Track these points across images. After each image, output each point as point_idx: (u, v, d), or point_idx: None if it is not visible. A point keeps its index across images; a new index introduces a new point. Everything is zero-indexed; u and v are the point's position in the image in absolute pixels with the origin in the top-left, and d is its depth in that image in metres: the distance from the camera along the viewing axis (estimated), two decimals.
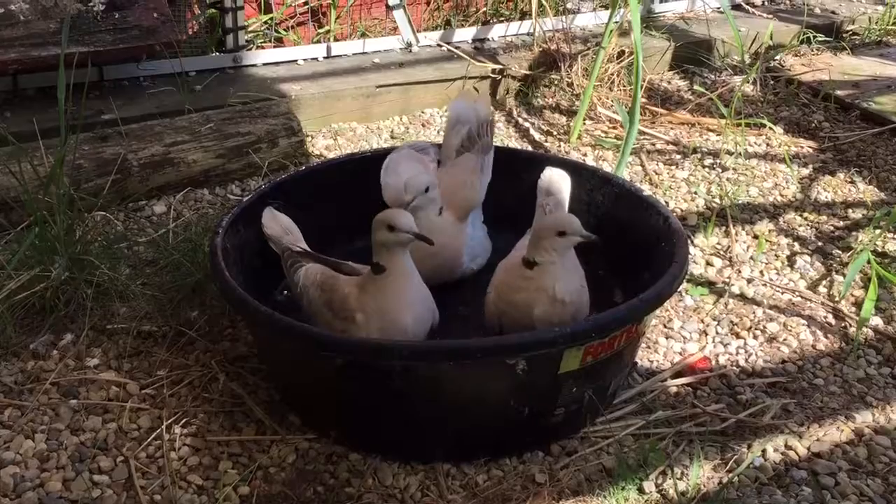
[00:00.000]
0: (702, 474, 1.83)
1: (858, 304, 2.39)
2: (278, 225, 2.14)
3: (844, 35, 4.29)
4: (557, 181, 2.31)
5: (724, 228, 2.71)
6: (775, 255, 2.62)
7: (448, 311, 2.01)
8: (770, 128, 3.34)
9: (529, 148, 3.22)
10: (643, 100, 3.37)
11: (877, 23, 4.38)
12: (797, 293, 2.45)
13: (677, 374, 2.12)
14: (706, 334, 2.28)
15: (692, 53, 3.90)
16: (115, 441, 1.89)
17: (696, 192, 2.93)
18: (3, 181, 2.47)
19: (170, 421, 1.93)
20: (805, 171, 3.10)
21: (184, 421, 1.94)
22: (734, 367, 2.17)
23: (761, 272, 2.54)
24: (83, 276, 2.21)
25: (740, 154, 3.15)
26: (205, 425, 1.93)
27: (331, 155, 3.05)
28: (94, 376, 2.05)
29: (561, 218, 2.03)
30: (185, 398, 2.00)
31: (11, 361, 2.09)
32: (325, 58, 3.59)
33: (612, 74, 3.46)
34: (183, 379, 2.05)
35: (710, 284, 2.47)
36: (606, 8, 3.96)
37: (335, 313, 1.89)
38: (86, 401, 1.99)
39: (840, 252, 2.63)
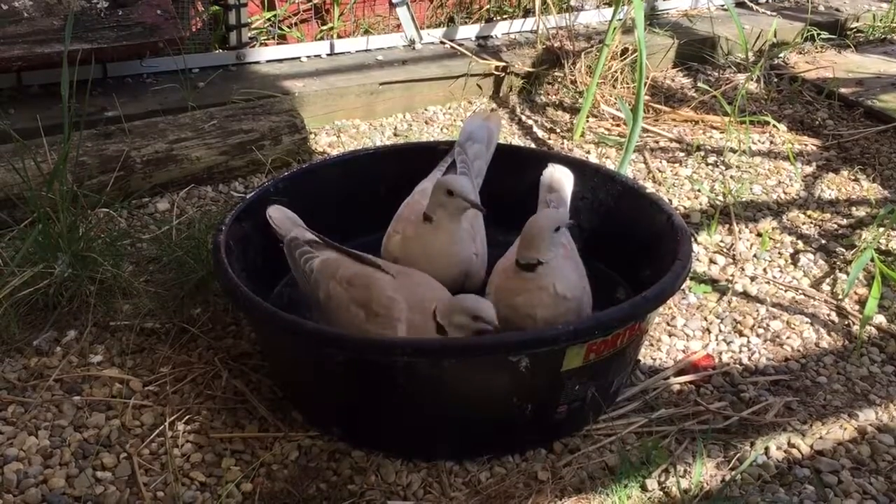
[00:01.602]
0: (705, 472, 1.83)
1: (862, 302, 2.39)
2: (284, 216, 2.13)
3: (849, 32, 4.28)
4: (559, 178, 2.30)
5: (727, 226, 2.71)
6: (779, 253, 2.62)
7: None
8: (774, 125, 3.33)
9: (532, 145, 3.21)
10: (646, 97, 3.37)
11: (881, 20, 4.37)
12: (800, 291, 2.45)
13: (680, 372, 2.12)
14: (709, 332, 2.28)
15: (696, 51, 3.89)
16: (119, 438, 1.89)
17: (699, 190, 2.93)
18: (7, 178, 2.47)
19: (173, 418, 1.93)
20: (809, 169, 3.10)
21: (187, 418, 1.94)
22: (737, 365, 2.17)
23: (764, 270, 2.54)
24: (86, 273, 2.22)
25: (744, 152, 3.15)
26: (208, 422, 1.93)
27: (334, 152, 3.05)
28: (98, 373, 2.05)
29: (553, 214, 2.01)
30: (189, 395, 2.01)
31: (15, 358, 2.09)
32: (328, 55, 3.59)
33: (616, 72, 3.46)
34: (186, 376, 2.05)
35: (713, 282, 2.47)
36: (610, 5, 3.95)
37: (373, 314, 1.86)
38: (89, 397, 1.99)
39: (843, 250, 2.62)
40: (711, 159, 3.13)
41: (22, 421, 1.92)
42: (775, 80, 3.73)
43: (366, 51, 3.64)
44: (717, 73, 3.83)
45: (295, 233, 2.07)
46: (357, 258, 1.98)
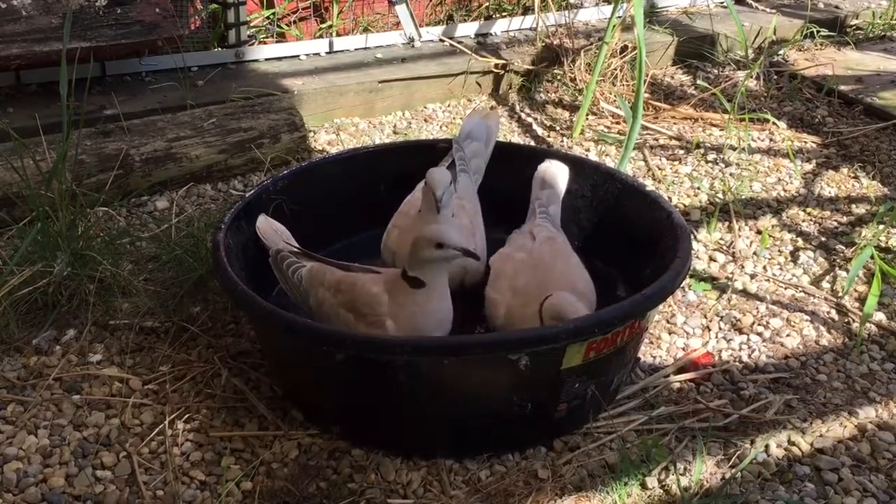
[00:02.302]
0: (705, 470, 1.83)
1: (862, 300, 2.39)
2: (271, 228, 2.14)
3: (848, 30, 4.28)
4: (554, 173, 2.30)
5: (727, 224, 2.71)
6: (778, 251, 2.61)
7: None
8: (773, 123, 3.33)
9: (532, 143, 3.21)
10: (646, 95, 3.36)
11: (881, 17, 4.37)
12: (800, 288, 2.45)
13: (680, 370, 2.12)
14: (709, 330, 2.28)
15: (695, 48, 3.89)
16: (118, 437, 1.89)
17: (699, 188, 2.92)
18: (6, 177, 2.47)
19: (172, 416, 1.93)
20: (808, 167, 3.09)
21: (186, 416, 1.94)
22: (737, 363, 2.16)
23: (764, 267, 2.54)
24: (85, 272, 2.21)
25: (743, 149, 3.15)
26: (207, 421, 1.93)
27: (333, 150, 3.05)
28: (97, 372, 2.05)
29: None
30: (188, 394, 2.00)
31: (14, 357, 2.09)
32: (327, 53, 3.58)
33: (615, 69, 3.46)
34: (185, 374, 2.05)
35: (713, 280, 2.47)
36: (609, 3, 3.95)
37: (360, 315, 1.86)
38: (88, 396, 1.99)
39: (843, 247, 2.62)
40: (711, 157, 3.13)
41: (21, 420, 1.92)
42: (775, 77, 3.73)
43: (365, 49, 3.64)
44: (716, 71, 3.83)
45: (280, 246, 2.08)
46: (342, 267, 1.99)
